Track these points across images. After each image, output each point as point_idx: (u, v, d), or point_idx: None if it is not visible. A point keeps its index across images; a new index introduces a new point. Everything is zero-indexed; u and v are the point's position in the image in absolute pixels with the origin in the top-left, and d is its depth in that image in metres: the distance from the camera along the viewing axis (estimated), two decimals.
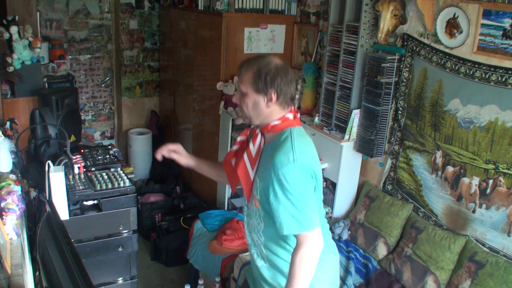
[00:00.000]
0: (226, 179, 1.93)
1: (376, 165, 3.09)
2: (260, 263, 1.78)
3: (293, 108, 1.69)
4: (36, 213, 1.94)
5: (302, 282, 1.59)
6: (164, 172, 4.55)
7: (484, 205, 2.40)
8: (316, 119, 3.22)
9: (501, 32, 2.20)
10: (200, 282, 2.90)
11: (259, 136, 1.67)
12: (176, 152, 1.90)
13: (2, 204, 1.57)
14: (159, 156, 1.89)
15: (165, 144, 1.92)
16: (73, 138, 2.72)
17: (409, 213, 2.78)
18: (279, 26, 3.64)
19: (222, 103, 3.61)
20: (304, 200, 1.56)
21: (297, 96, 3.50)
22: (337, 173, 3.03)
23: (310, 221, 1.57)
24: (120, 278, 2.14)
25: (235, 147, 1.78)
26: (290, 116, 1.66)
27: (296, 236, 1.59)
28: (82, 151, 2.26)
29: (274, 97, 1.60)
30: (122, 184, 2.02)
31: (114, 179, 2.03)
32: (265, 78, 1.58)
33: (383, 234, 2.81)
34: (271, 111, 1.64)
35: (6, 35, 3.02)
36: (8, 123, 2.26)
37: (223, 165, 1.83)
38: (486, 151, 2.35)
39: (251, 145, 1.67)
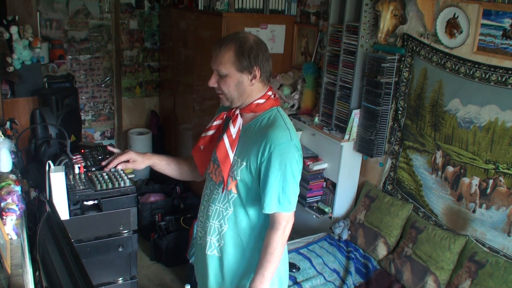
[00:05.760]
0: (186, 174, 1.91)
1: (376, 165, 3.09)
2: (212, 252, 1.74)
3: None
4: (36, 213, 1.94)
5: (277, 260, 1.60)
6: None
7: (484, 205, 2.40)
8: (316, 119, 3.22)
9: (501, 32, 2.20)
10: None
11: (239, 117, 1.64)
12: (130, 161, 1.87)
13: (2, 204, 1.57)
14: (110, 167, 1.87)
15: (116, 156, 1.88)
16: (73, 138, 2.72)
17: (409, 213, 2.78)
18: (279, 26, 3.64)
19: None
20: (295, 179, 1.58)
21: (296, 96, 3.51)
22: (337, 173, 3.03)
23: (294, 202, 1.60)
24: (120, 278, 2.13)
25: (210, 132, 1.72)
26: (271, 94, 1.65)
27: (276, 214, 1.58)
28: (82, 151, 2.25)
29: (258, 74, 1.57)
30: (122, 184, 2.01)
31: (114, 179, 2.03)
32: (249, 55, 1.54)
33: (383, 234, 2.81)
34: (253, 89, 1.60)
35: (6, 35, 3.02)
36: (8, 123, 2.25)
37: (192, 152, 1.78)
38: (486, 151, 2.35)
39: (231, 127, 1.62)
